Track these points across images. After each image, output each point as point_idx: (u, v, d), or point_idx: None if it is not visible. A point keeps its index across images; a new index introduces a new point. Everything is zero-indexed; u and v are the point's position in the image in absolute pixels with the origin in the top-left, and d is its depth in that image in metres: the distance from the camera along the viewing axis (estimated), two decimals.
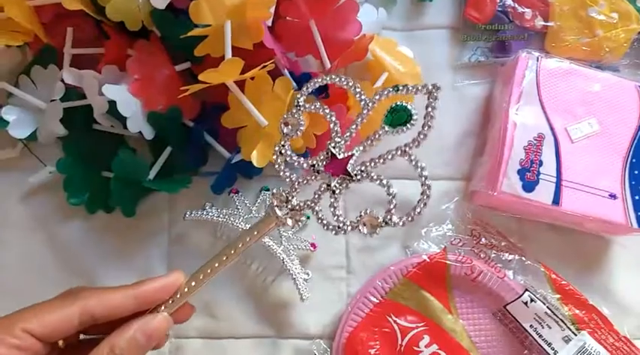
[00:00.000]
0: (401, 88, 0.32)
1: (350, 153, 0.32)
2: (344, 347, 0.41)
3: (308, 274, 0.42)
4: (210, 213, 0.41)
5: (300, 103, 0.33)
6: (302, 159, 0.33)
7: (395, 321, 0.42)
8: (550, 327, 0.40)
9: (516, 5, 0.46)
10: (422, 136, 0.32)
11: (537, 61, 0.43)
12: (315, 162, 0.32)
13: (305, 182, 0.33)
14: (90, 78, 0.39)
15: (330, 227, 0.32)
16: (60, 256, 0.43)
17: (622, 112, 0.43)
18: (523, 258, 0.43)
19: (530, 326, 0.41)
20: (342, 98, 0.43)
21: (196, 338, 0.43)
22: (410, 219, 0.32)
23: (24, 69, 0.43)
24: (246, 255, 0.43)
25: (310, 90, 0.33)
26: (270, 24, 0.42)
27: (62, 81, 0.41)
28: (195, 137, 0.42)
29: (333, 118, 0.33)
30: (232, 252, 0.32)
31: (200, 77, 0.37)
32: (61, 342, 0.30)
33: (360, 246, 0.45)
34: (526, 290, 0.41)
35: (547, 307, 0.41)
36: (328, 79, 0.33)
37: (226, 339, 0.43)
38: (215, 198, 0.43)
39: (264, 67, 0.38)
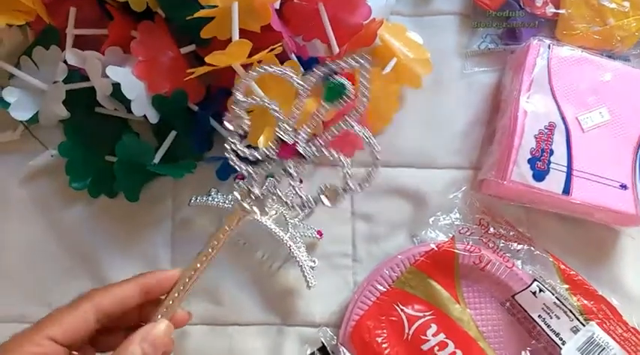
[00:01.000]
0: (331, 64, 0.33)
1: (299, 136, 0.34)
2: (351, 335, 0.40)
3: (314, 262, 0.41)
4: (215, 199, 0.41)
5: (239, 99, 0.34)
6: (254, 151, 0.34)
7: (402, 310, 0.41)
8: (558, 317, 0.40)
9: None
10: (361, 107, 0.34)
11: (549, 48, 0.43)
12: (267, 151, 0.34)
13: (263, 171, 0.34)
14: (93, 59, 0.38)
15: (296, 206, 0.34)
16: (62, 240, 0.43)
17: (633, 102, 0.43)
18: (532, 248, 0.42)
19: (539, 316, 0.40)
20: (350, 83, 0.42)
21: (201, 325, 0.42)
22: (367, 184, 0.34)
23: (25, 50, 0.42)
24: (253, 243, 0.42)
25: (252, 100, 0.34)
26: (277, 6, 0.41)
27: (65, 62, 0.40)
28: (201, 121, 0.42)
29: (276, 107, 0.34)
30: (211, 251, 0.34)
31: (207, 59, 0.36)
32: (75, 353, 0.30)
33: (366, 234, 0.44)
34: (535, 280, 0.41)
35: (556, 297, 0.40)
36: (263, 70, 0.33)
37: (231, 326, 0.42)
38: (220, 184, 0.43)
39: (273, 50, 0.38)
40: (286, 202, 0.34)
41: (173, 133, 0.41)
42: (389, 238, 0.44)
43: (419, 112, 0.46)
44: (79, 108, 0.41)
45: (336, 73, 0.34)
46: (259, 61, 0.39)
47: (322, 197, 0.33)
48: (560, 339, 0.40)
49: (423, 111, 0.46)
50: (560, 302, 0.40)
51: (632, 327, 0.40)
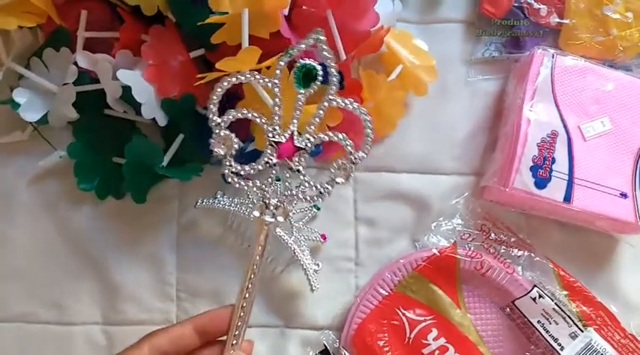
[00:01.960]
0: (291, 50, 0.34)
1: (289, 132, 0.34)
2: (352, 338, 0.41)
3: (318, 265, 0.42)
4: (221, 202, 0.41)
5: (216, 121, 0.35)
6: (254, 165, 0.34)
7: (404, 314, 0.42)
8: (557, 323, 0.41)
9: (532, 1, 0.46)
10: (333, 87, 0.34)
11: (553, 58, 0.43)
12: (266, 159, 0.34)
13: (270, 180, 0.35)
14: (104, 62, 0.39)
15: (314, 197, 0.35)
16: (69, 241, 0.43)
17: (634, 112, 0.43)
18: (532, 254, 0.43)
19: (538, 321, 0.41)
20: (357, 90, 0.42)
21: None
22: (368, 147, 0.35)
23: (36, 51, 0.42)
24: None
25: (230, 117, 0.35)
26: (286, 13, 0.41)
27: (75, 64, 0.40)
28: (209, 125, 0.42)
29: (255, 114, 0.35)
30: (252, 276, 0.34)
31: (218, 65, 0.37)
32: None
33: (369, 238, 0.45)
34: (534, 286, 0.41)
35: (555, 303, 0.41)
36: (228, 82, 0.35)
37: None
38: (226, 187, 0.43)
39: (281, 56, 0.38)
40: (304, 198, 0.35)
41: (181, 136, 0.42)
42: (391, 242, 0.45)
43: (423, 119, 0.46)
44: (88, 110, 0.42)
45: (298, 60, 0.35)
46: (268, 67, 0.40)
47: (338, 179, 0.34)
48: (559, 345, 0.41)
49: (427, 117, 0.46)
50: (560, 308, 0.41)
51: (630, 334, 0.41)
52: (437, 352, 0.41)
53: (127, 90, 0.39)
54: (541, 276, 0.43)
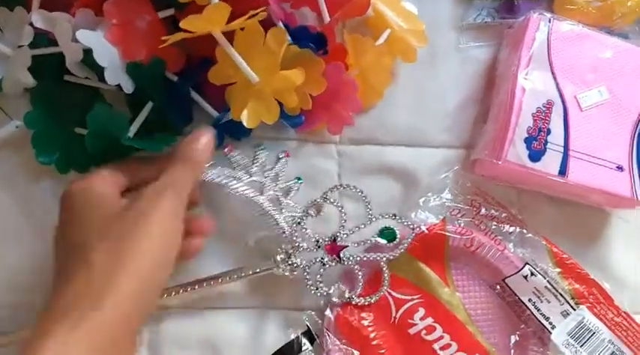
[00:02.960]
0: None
1: (346, 244, 0.40)
2: (336, 318, 0.39)
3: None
4: (208, 175, 0.38)
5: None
6: (311, 242, 0.40)
7: (389, 293, 0.40)
8: (549, 301, 0.39)
9: None
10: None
11: (549, 22, 0.41)
12: (320, 239, 0.40)
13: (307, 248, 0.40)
14: (63, 22, 0.35)
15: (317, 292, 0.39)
16: (28, 218, 0.40)
17: (632, 81, 0.41)
18: (524, 231, 0.41)
19: (529, 300, 0.39)
20: (341, 55, 0.40)
21: (178, 309, 0.40)
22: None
23: None
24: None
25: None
26: None
27: (31, 25, 0.36)
28: (180, 93, 0.39)
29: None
30: (234, 276, 0.39)
31: (181, 24, 0.33)
32: None
33: (354, 214, 0.42)
34: (526, 263, 0.40)
35: (547, 281, 0.39)
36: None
37: (211, 310, 0.40)
38: None
39: (254, 15, 0.35)
40: (311, 287, 0.39)
41: (150, 104, 0.39)
42: (377, 219, 0.42)
43: (411, 88, 0.44)
44: (46, 75, 0.38)
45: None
46: (242, 28, 0.36)
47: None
48: (550, 323, 0.39)
49: (415, 86, 0.44)
50: (552, 286, 0.39)
51: (624, 312, 0.40)
52: (423, 332, 0.39)
53: (88, 53, 0.35)
54: (533, 253, 0.41)
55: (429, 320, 0.40)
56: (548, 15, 0.41)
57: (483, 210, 0.42)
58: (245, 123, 0.37)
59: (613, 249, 0.43)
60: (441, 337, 0.39)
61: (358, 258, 0.39)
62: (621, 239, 0.43)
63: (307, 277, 0.39)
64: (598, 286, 0.40)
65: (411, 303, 0.40)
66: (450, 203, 0.42)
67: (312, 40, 0.38)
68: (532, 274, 0.39)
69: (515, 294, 0.40)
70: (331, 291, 0.39)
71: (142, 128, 0.38)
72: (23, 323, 0.38)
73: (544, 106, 0.39)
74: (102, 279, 0.29)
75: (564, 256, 0.41)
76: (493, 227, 0.41)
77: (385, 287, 0.39)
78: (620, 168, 0.40)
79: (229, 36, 0.36)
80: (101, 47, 0.35)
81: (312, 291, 0.39)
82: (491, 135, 0.40)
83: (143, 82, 0.37)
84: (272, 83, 0.36)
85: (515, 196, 0.43)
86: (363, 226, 0.40)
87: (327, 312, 0.39)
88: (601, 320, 0.39)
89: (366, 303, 0.39)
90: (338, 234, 0.40)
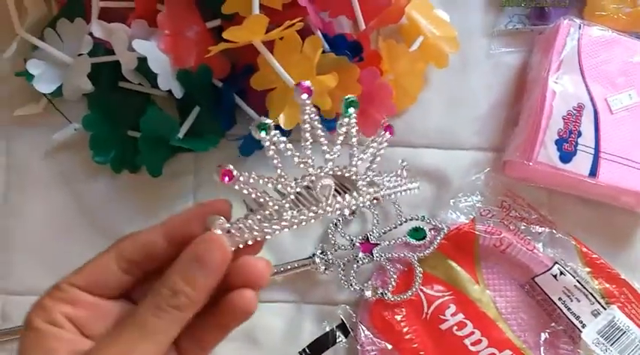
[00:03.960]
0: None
1: (378, 242, 0.42)
2: (370, 313, 0.40)
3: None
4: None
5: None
6: (345, 241, 0.42)
7: (421, 290, 0.41)
8: (579, 300, 0.40)
9: None
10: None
11: (579, 28, 0.42)
12: (354, 238, 0.42)
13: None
14: (119, 32, 0.38)
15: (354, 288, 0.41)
16: (84, 214, 0.43)
17: None
18: (553, 231, 0.42)
19: (559, 299, 0.40)
20: (376, 61, 0.41)
21: None
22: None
23: (50, 22, 0.42)
24: None
25: None
26: None
27: (90, 35, 0.40)
28: (225, 98, 0.41)
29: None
30: (274, 271, 0.40)
31: (224, 35, 0.36)
32: None
33: (387, 214, 0.44)
34: (555, 263, 0.41)
35: (577, 280, 0.40)
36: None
37: None
38: (243, 160, 0.43)
39: (292, 25, 0.37)
40: (347, 283, 0.41)
41: (197, 109, 0.41)
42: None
43: (443, 92, 0.45)
44: (103, 81, 0.41)
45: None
46: (281, 38, 0.39)
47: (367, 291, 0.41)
48: (581, 322, 0.40)
49: (447, 91, 0.45)
50: (581, 285, 0.40)
51: None
52: (455, 327, 0.40)
53: (142, 61, 0.38)
54: (562, 253, 0.42)
55: (460, 317, 0.41)
56: (578, 21, 0.42)
57: (513, 212, 0.43)
58: (282, 126, 0.39)
59: None
60: (472, 333, 0.40)
61: (390, 256, 0.41)
62: None
63: (342, 274, 0.41)
64: (629, 286, 0.41)
65: (442, 300, 0.41)
66: (480, 204, 0.43)
67: (348, 48, 0.40)
68: (561, 273, 0.40)
69: (545, 293, 0.41)
70: (365, 288, 0.40)
71: (190, 130, 0.41)
72: None
73: (574, 109, 0.40)
74: None
75: (594, 256, 0.41)
76: (522, 227, 0.42)
77: (418, 285, 0.41)
78: None
79: (270, 45, 0.39)
80: (154, 56, 0.38)
81: (346, 287, 0.41)
82: (522, 137, 0.42)
83: (192, 87, 0.40)
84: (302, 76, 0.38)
85: (546, 198, 0.44)
86: (394, 226, 0.42)
87: (361, 307, 0.41)
88: (632, 319, 0.40)
89: (399, 300, 0.41)
90: (370, 234, 0.42)
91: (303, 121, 0.26)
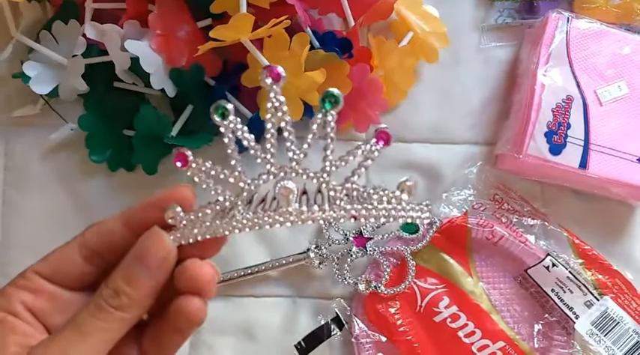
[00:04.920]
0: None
1: (371, 236, 0.42)
2: (364, 306, 0.41)
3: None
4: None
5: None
6: (339, 235, 0.42)
7: (415, 282, 0.42)
8: (572, 292, 0.40)
9: None
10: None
11: (568, 21, 0.42)
12: (348, 233, 0.42)
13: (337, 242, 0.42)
14: (112, 33, 0.39)
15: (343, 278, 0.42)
16: (82, 212, 0.43)
17: None
18: (546, 223, 0.42)
19: (552, 290, 0.41)
20: (366, 58, 0.42)
21: (216, 297, 0.43)
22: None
23: (45, 24, 0.43)
24: None
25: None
26: None
27: (84, 36, 0.40)
28: (217, 96, 0.42)
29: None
30: (269, 266, 0.41)
31: (211, 34, 0.36)
32: (145, 316, 0.26)
33: None
34: (548, 254, 0.41)
35: (569, 271, 0.40)
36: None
37: (247, 298, 0.43)
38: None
39: (279, 23, 0.38)
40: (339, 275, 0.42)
41: (190, 107, 0.42)
42: None
43: (434, 87, 0.45)
44: (98, 82, 0.42)
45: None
46: (269, 36, 0.39)
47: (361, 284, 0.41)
48: (574, 313, 0.40)
49: (438, 86, 0.46)
50: (574, 276, 0.40)
51: None
52: (448, 319, 0.41)
53: (135, 61, 0.39)
54: (555, 245, 0.42)
55: (454, 309, 0.41)
56: (567, 14, 0.42)
57: (506, 205, 0.43)
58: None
59: (636, 241, 0.44)
60: (466, 325, 0.41)
61: (383, 249, 0.41)
62: None
63: (336, 268, 0.41)
64: (621, 276, 0.41)
65: (435, 292, 0.42)
66: (472, 197, 0.43)
67: (338, 45, 0.40)
68: (554, 265, 0.40)
69: (538, 285, 0.41)
70: (358, 281, 0.41)
71: (184, 128, 0.42)
72: None
73: (564, 102, 0.41)
74: None
75: (587, 247, 0.42)
76: (515, 220, 0.42)
77: (411, 278, 0.41)
78: None
79: (260, 43, 0.39)
80: (147, 55, 0.39)
81: (340, 280, 0.41)
82: (512, 130, 0.42)
83: (184, 86, 0.41)
84: (297, 84, 0.39)
85: (539, 190, 0.44)
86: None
87: (355, 300, 0.42)
88: (625, 310, 0.40)
89: (393, 293, 0.41)
90: (364, 228, 0.42)
91: (267, 110, 0.23)
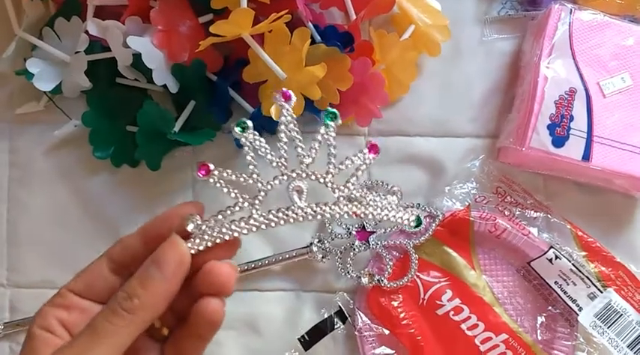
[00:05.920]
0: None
1: (374, 230, 0.42)
2: (367, 299, 0.41)
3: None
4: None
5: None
6: (342, 229, 0.42)
7: (417, 276, 0.42)
8: (575, 284, 0.40)
9: None
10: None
11: (571, 13, 0.42)
12: (350, 227, 0.42)
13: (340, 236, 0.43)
14: (114, 29, 0.39)
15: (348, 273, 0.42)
16: (87, 208, 0.44)
17: None
18: (549, 216, 0.42)
19: (555, 282, 0.41)
20: (368, 51, 0.42)
21: None
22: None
23: (47, 21, 0.43)
24: None
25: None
26: None
27: (86, 32, 0.40)
28: (219, 91, 0.42)
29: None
30: (272, 261, 0.42)
31: (211, 29, 0.36)
32: (165, 330, 0.28)
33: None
34: (551, 247, 0.41)
35: (572, 264, 0.40)
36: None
37: (251, 292, 0.43)
38: (239, 153, 0.43)
39: (280, 18, 0.38)
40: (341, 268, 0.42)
41: (192, 103, 0.42)
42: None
43: (437, 80, 0.45)
44: (101, 78, 0.42)
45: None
46: (270, 31, 0.39)
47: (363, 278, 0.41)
48: (577, 305, 0.40)
49: (440, 79, 0.45)
50: (577, 268, 0.40)
51: None
52: (451, 312, 0.41)
53: (137, 57, 0.39)
54: (558, 237, 0.42)
55: (457, 302, 0.41)
56: (570, 6, 0.42)
57: (508, 198, 0.43)
58: (274, 117, 0.39)
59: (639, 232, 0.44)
60: (469, 317, 0.41)
61: (385, 243, 0.42)
62: None
63: (339, 261, 0.42)
64: (625, 269, 0.41)
65: (438, 285, 0.42)
66: (475, 191, 0.43)
67: (339, 39, 0.40)
68: (557, 257, 0.40)
69: (541, 277, 0.41)
70: (361, 274, 0.41)
71: (187, 124, 0.42)
72: None
73: (566, 94, 0.40)
74: None
75: (590, 240, 0.42)
76: (517, 213, 0.42)
77: (414, 271, 0.41)
78: None
79: (261, 38, 0.39)
80: (149, 51, 0.39)
81: (343, 274, 0.41)
82: (515, 123, 0.42)
83: (186, 82, 0.41)
84: (298, 79, 0.39)
85: (542, 183, 0.44)
86: None
87: (358, 294, 0.42)
88: (628, 301, 0.40)
89: (395, 286, 0.41)
90: (367, 222, 0.42)
91: (280, 122, 0.27)
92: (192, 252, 0.26)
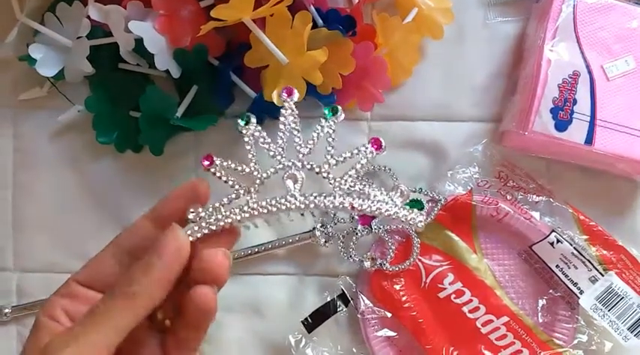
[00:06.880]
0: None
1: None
2: (370, 283, 0.41)
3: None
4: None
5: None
6: (345, 215, 0.42)
7: (420, 260, 0.42)
8: (577, 267, 0.40)
9: None
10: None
11: None
12: (350, 221, 0.43)
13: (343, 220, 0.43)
14: (116, 13, 0.39)
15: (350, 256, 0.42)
16: (91, 192, 0.44)
17: None
18: (551, 200, 0.42)
19: (557, 266, 0.41)
20: (370, 35, 0.42)
21: None
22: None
23: (49, 6, 0.43)
24: None
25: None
26: None
27: (88, 17, 0.40)
28: (222, 76, 0.42)
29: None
30: (275, 245, 0.42)
31: (211, 13, 0.36)
32: (167, 322, 0.29)
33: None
34: (553, 230, 0.41)
35: (574, 247, 0.40)
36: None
37: (254, 276, 0.44)
38: (241, 138, 0.43)
39: (281, 1, 0.37)
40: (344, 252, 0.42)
41: (195, 88, 0.42)
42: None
43: (439, 64, 0.45)
44: (103, 63, 0.42)
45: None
46: (271, 15, 0.39)
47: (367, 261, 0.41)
48: (579, 289, 0.40)
49: (443, 62, 0.45)
50: (579, 252, 0.40)
51: None
52: (453, 295, 0.41)
53: (139, 42, 0.39)
54: (560, 221, 0.42)
55: (458, 285, 0.42)
56: None
57: (511, 182, 0.43)
58: (276, 102, 0.39)
59: None
60: (470, 300, 0.41)
61: (388, 227, 0.42)
62: None
63: (342, 246, 0.42)
64: (626, 252, 0.41)
65: (440, 269, 0.42)
66: (477, 175, 0.43)
67: (341, 22, 0.40)
68: (558, 241, 0.41)
69: (543, 261, 0.41)
70: (364, 258, 0.41)
71: (189, 109, 0.42)
72: None
73: (570, 77, 0.40)
74: None
75: (592, 224, 0.42)
76: (520, 197, 0.43)
77: (416, 255, 0.42)
78: None
79: (262, 22, 0.39)
80: (151, 36, 0.39)
81: (346, 258, 0.42)
82: (518, 106, 0.42)
83: (188, 66, 0.41)
84: (299, 63, 0.38)
85: (545, 167, 0.44)
86: None
87: (361, 277, 0.42)
88: (629, 285, 0.40)
89: (398, 270, 0.41)
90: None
91: (281, 114, 0.29)
92: (191, 239, 0.27)
